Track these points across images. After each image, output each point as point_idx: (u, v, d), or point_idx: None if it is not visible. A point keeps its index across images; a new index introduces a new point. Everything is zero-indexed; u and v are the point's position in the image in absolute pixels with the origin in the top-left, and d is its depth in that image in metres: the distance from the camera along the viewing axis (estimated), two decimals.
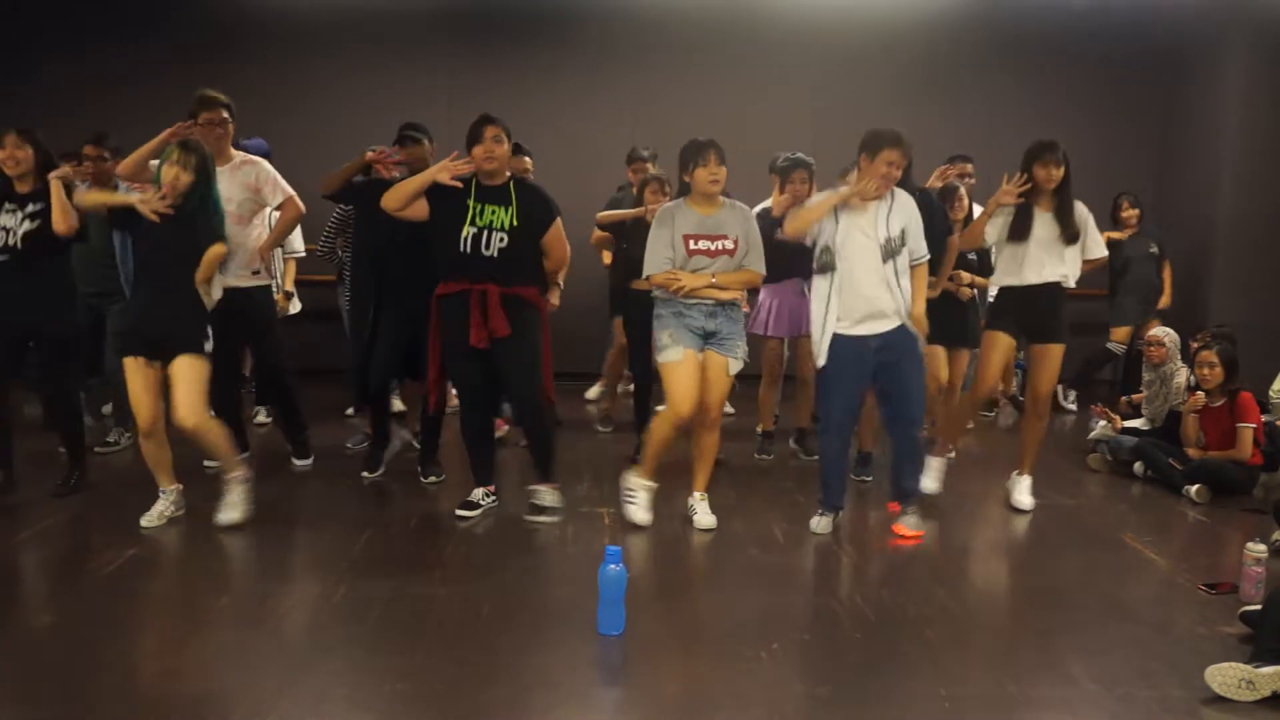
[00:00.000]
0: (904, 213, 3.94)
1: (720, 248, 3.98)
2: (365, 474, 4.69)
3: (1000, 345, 4.33)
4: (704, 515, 4.09)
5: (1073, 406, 6.77)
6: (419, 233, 4.04)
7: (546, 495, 4.19)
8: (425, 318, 4.09)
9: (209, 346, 3.88)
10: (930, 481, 4.44)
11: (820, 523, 4.07)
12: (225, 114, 4.43)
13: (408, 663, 2.77)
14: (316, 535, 3.89)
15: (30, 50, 7.61)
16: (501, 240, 3.93)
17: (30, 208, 4.14)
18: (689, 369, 3.98)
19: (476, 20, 7.74)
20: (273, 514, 4.08)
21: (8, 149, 4.11)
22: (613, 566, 2.95)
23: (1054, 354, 4.29)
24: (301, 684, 2.63)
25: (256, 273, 4.60)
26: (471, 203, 3.94)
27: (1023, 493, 4.46)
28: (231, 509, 3.90)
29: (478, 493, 4.20)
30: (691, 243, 3.97)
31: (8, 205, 4.15)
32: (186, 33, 7.64)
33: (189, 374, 3.78)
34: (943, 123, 7.29)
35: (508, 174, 4.05)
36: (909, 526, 4.02)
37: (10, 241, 4.11)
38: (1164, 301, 6.80)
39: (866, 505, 4.46)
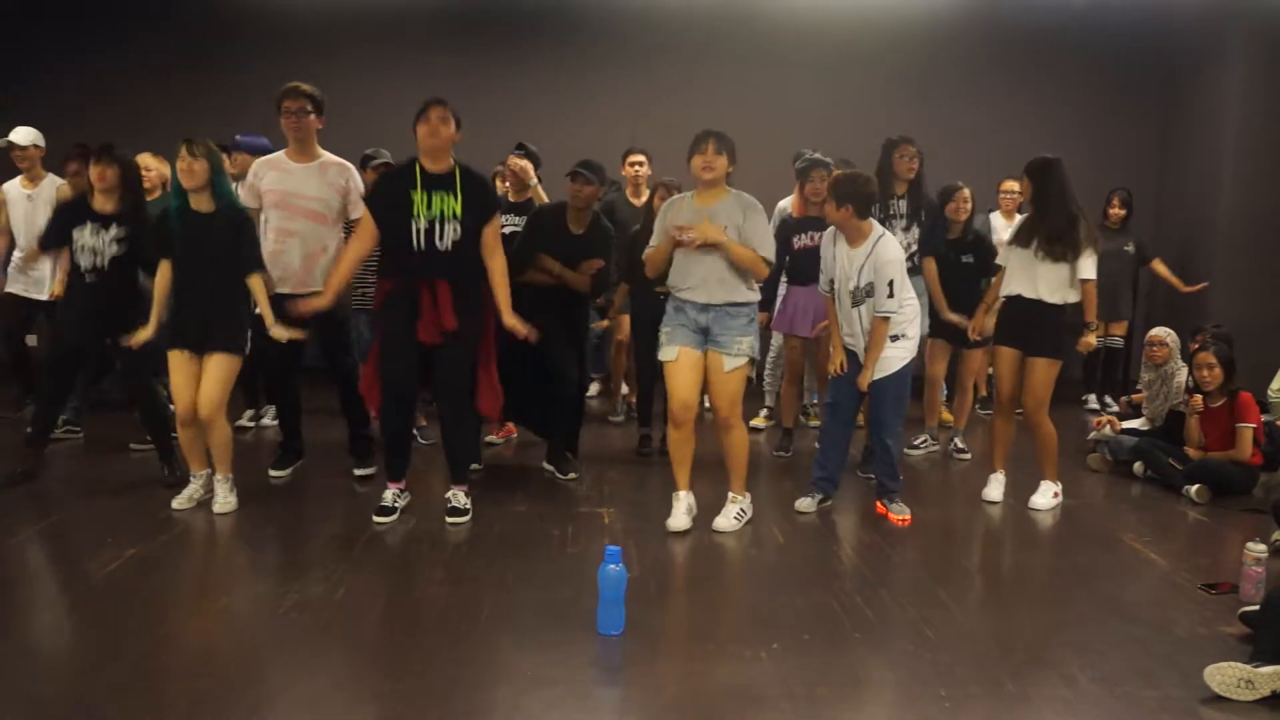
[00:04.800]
0: (875, 269, 4.12)
1: None
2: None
3: (1006, 357, 4.53)
4: (723, 517, 4.07)
5: (1114, 405, 6.76)
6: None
7: (459, 497, 4.08)
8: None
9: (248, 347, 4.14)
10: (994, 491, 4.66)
11: (804, 502, 4.36)
12: (308, 105, 4.30)
13: (408, 663, 2.77)
14: (316, 535, 3.89)
15: (30, 51, 7.62)
16: (455, 231, 3.80)
17: (115, 230, 4.28)
18: (683, 367, 3.98)
19: (477, 20, 7.74)
20: (272, 514, 4.10)
21: (98, 168, 4.25)
22: (613, 566, 2.96)
23: (1039, 366, 4.41)
24: (301, 684, 2.64)
25: None
26: (418, 194, 3.80)
27: (1042, 495, 4.54)
28: (223, 502, 4.13)
29: (389, 494, 4.08)
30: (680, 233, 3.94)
31: (91, 225, 4.28)
32: (186, 33, 7.66)
33: (218, 370, 4.03)
34: (944, 123, 7.29)
35: (451, 160, 3.91)
36: (898, 513, 4.30)
37: (99, 263, 4.29)
38: (1182, 286, 6.85)
39: (867, 505, 4.47)
